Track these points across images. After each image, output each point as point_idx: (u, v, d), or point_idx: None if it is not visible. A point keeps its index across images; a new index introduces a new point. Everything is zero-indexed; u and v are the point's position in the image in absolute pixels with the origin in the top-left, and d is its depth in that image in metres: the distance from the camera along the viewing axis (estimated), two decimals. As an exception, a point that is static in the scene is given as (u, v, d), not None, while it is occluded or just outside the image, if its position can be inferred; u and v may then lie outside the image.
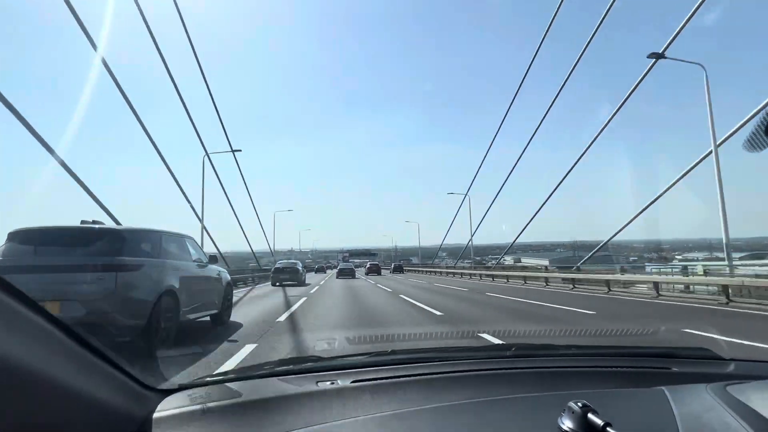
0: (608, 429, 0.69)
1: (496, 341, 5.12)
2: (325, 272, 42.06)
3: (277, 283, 20.13)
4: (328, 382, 1.07)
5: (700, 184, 17.00)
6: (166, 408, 0.88)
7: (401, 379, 1.10)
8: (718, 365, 1.27)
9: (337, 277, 29.11)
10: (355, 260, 72.06)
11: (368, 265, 41.05)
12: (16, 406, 0.55)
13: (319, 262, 79.80)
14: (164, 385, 0.98)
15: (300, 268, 21.91)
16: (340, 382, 1.07)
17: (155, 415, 0.84)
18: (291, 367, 1.20)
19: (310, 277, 29.23)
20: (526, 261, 59.71)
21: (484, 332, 5.75)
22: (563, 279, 18.18)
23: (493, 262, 37.33)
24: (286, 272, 20.99)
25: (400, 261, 56.42)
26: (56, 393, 0.61)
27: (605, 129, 18.88)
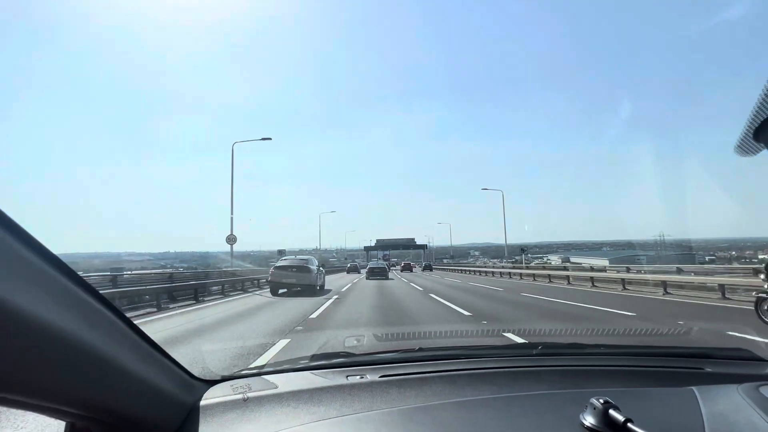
0: (629, 425, 0.69)
1: (518, 339, 5.16)
2: (359, 272, 37.69)
3: (280, 291, 13.97)
4: (358, 377, 1.11)
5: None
6: (211, 396, 0.96)
7: (427, 374, 1.13)
8: (755, 366, 1.23)
9: (367, 278, 24.93)
10: (382, 253, 70.16)
11: (402, 264, 50.21)
12: (89, 385, 0.62)
13: (349, 259, 74.06)
14: (209, 377, 1.07)
15: (312, 267, 14.53)
16: (369, 377, 1.11)
17: (202, 402, 0.93)
18: (323, 362, 1.25)
19: (333, 281, 22.20)
20: (579, 261, 56.33)
21: (509, 332, 5.79)
22: (615, 280, 15.61)
23: (536, 261, 36.18)
24: (289, 274, 13.91)
25: (429, 261, 64.26)
26: (122, 376, 0.68)
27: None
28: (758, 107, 0.45)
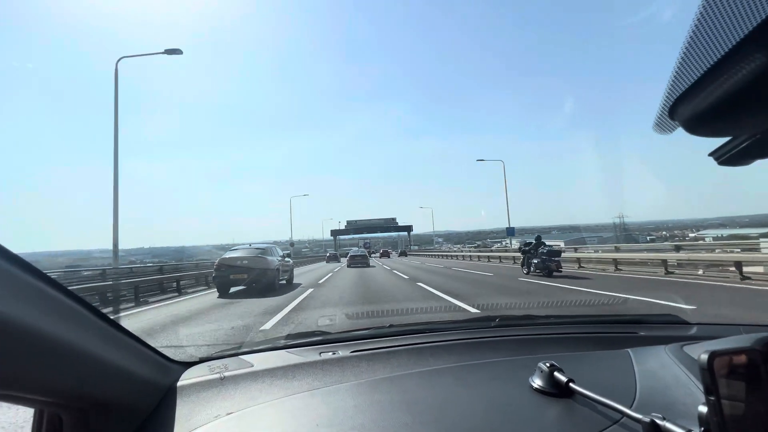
0: (571, 384, 0.77)
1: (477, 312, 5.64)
2: (339, 261, 36.95)
3: (232, 290, 10.80)
4: (330, 353, 1.16)
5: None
6: (188, 377, 0.99)
7: (394, 348, 1.19)
8: (682, 329, 1.35)
9: (348, 266, 24.20)
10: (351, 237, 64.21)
11: (381, 251, 56.29)
12: (56, 372, 0.62)
13: (319, 249, 70.51)
14: (186, 359, 1.09)
15: (272, 259, 11.25)
16: (341, 353, 1.16)
17: (179, 383, 0.96)
18: (297, 341, 1.29)
19: (307, 273, 18.67)
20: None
21: (473, 306, 6.29)
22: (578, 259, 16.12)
23: (497, 245, 38.12)
24: (240, 268, 10.61)
25: (406, 247, 71.02)
26: (89, 362, 0.69)
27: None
28: (670, 86, 0.49)
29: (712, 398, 0.53)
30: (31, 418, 0.75)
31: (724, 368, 0.54)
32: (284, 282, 12.28)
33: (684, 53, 0.45)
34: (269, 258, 11.22)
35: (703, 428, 0.55)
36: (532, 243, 13.46)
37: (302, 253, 66.69)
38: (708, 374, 0.53)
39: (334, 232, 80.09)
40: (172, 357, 1.01)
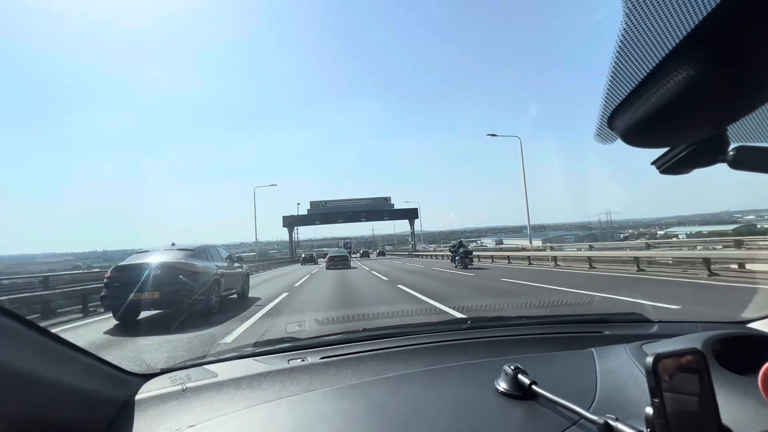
0: (533, 387, 0.79)
1: (459, 315, 5.49)
2: (316, 263, 33.17)
3: (137, 316, 6.77)
4: (299, 360, 1.14)
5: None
6: (147, 390, 0.95)
7: (365, 353, 1.17)
8: (644, 327, 1.38)
9: (327, 268, 21.74)
10: (324, 249, 49.45)
11: (361, 251, 57.65)
12: (6, 400, 0.61)
13: (286, 250, 55.07)
14: (146, 371, 1.05)
15: (203, 267, 7.39)
16: (310, 359, 1.14)
17: (137, 396, 0.92)
18: (264, 348, 1.26)
19: (275, 280, 15.34)
20: (512, 242, 59.26)
21: (449, 307, 6.22)
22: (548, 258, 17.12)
23: (473, 244, 38.78)
24: (143, 284, 6.37)
25: (382, 247, 71.85)
26: (35, 385, 0.66)
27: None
28: (605, 97, 0.50)
29: (656, 400, 0.54)
30: None
31: (668, 370, 0.55)
32: (235, 296, 9.04)
33: (615, 65, 0.45)
34: (200, 264, 7.30)
35: (649, 429, 0.56)
36: (457, 245, 18.77)
37: (270, 254, 56.82)
38: (653, 377, 0.55)
39: (289, 222, 50.57)
40: (129, 369, 0.97)
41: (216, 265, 7.93)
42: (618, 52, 0.44)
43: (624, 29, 0.42)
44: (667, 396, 0.54)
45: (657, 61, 0.42)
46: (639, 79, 0.45)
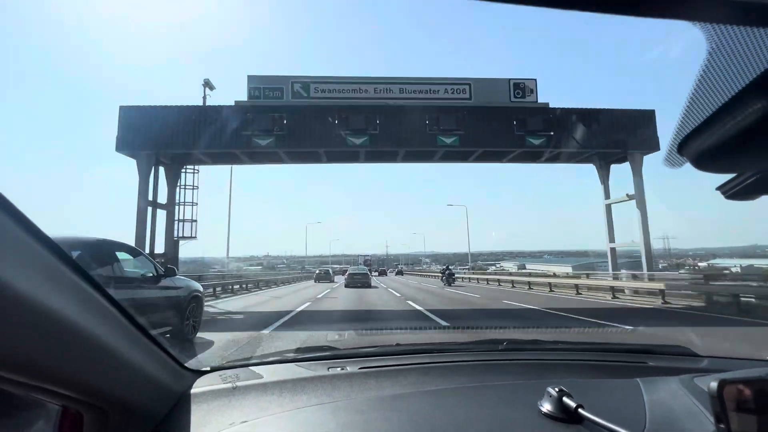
0: (580, 410, 0.77)
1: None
2: (332, 280, 29.55)
3: None
4: (339, 368, 1.18)
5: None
6: (201, 385, 1.00)
7: (403, 367, 1.19)
8: (692, 361, 1.34)
9: (346, 286, 20.87)
10: (336, 266, 55.06)
11: (379, 270, 60.83)
12: (84, 368, 0.64)
13: (297, 266, 62.49)
14: (198, 366, 1.11)
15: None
16: (349, 369, 1.17)
17: (192, 390, 0.97)
18: (306, 354, 1.31)
19: (262, 305, 12.54)
20: (537, 267, 55.15)
21: (480, 329, 6.32)
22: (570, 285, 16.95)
23: (492, 268, 38.46)
24: None
25: (401, 266, 75.27)
26: (116, 362, 0.70)
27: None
28: (679, 125, 0.51)
29: (722, 426, 0.54)
30: (54, 416, 0.73)
31: (733, 397, 0.54)
32: (168, 335, 5.53)
33: (693, 94, 0.48)
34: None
35: None
36: (445, 269, 26.41)
37: (278, 269, 62.13)
38: (718, 402, 0.54)
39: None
40: (186, 363, 1.03)
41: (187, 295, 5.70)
42: (697, 82, 0.46)
43: (705, 64, 0.45)
44: (734, 423, 0.53)
45: (734, 92, 0.44)
46: (715, 108, 0.47)
